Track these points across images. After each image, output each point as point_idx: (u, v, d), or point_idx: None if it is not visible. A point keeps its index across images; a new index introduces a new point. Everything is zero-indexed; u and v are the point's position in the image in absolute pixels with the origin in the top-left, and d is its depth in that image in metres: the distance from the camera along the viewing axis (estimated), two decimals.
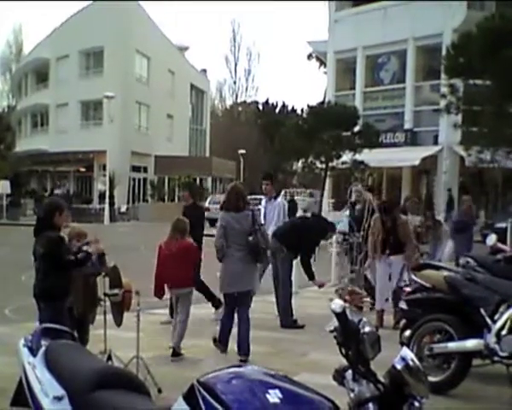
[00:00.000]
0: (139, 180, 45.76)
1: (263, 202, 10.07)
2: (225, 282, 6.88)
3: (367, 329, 2.40)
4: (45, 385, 2.74)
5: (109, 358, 5.51)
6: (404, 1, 30.27)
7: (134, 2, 43.96)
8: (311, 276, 8.91)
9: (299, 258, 9.02)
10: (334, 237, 11.79)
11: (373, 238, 8.91)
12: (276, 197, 9.65)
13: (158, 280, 6.69)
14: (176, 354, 6.65)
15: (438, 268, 6.40)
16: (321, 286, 8.92)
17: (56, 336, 3.22)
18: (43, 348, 2.96)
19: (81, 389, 2.53)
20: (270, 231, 8.68)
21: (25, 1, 79.12)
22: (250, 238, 6.78)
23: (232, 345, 6.85)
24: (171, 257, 6.55)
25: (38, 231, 5.24)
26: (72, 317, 5.24)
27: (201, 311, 9.78)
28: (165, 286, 6.75)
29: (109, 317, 5.74)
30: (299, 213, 26.78)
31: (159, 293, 6.79)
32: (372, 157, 27.47)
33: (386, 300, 8.64)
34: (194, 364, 6.38)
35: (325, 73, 40.00)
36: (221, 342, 6.91)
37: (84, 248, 5.36)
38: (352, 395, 2.34)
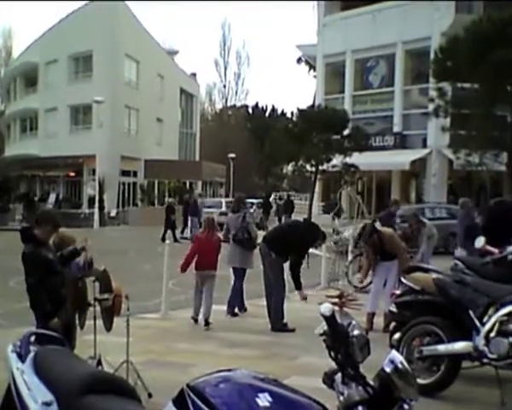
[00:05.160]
0: (129, 184, 45.60)
1: None
2: (228, 259, 9.83)
3: (356, 332, 2.40)
4: (34, 391, 2.73)
5: (99, 363, 5.48)
6: (394, 1, 30.38)
7: (123, 7, 43.87)
8: (298, 285, 8.85)
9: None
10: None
11: (367, 263, 9.05)
12: None
13: (187, 261, 8.98)
14: (207, 323, 8.68)
15: (427, 271, 6.43)
16: (304, 299, 8.79)
17: (46, 342, 3.20)
18: (31, 354, 2.94)
19: (70, 394, 2.51)
20: None
21: (16, 1, 78.54)
22: (233, 232, 9.76)
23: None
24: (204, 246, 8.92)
25: (24, 241, 5.21)
26: (60, 322, 5.19)
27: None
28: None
29: (99, 322, 5.72)
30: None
31: (185, 270, 9.02)
32: (362, 160, 27.58)
33: None
34: (184, 368, 6.37)
35: (315, 76, 40.10)
36: (233, 307, 9.64)
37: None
38: (341, 398, 2.34)
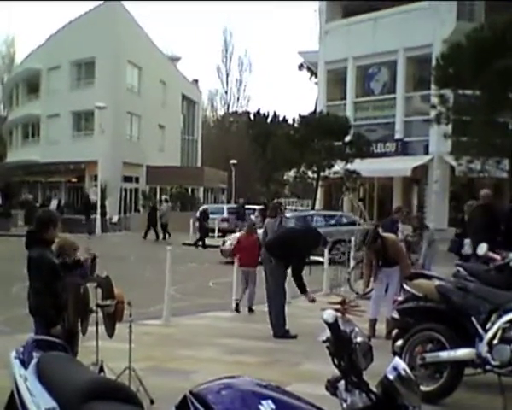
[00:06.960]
0: (131, 190, 45.66)
1: None
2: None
3: (359, 339, 2.40)
4: (37, 397, 2.72)
5: (101, 369, 5.47)
6: (396, 9, 30.40)
7: (125, 13, 44.02)
8: (302, 289, 8.73)
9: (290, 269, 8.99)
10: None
11: (367, 270, 9.01)
12: None
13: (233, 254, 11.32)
14: (251, 310, 10.35)
15: (429, 277, 6.42)
16: (312, 301, 8.59)
17: (48, 348, 3.20)
18: (34, 360, 2.93)
19: (73, 401, 2.51)
20: None
21: (22, 0, 78.78)
22: (271, 236, 10.31)
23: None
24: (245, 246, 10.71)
25: (29, 245, 5.19)
26: (62, 329, 5.19)
27: (195, 321, 9.79)
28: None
29: (101, 328, 5.72)
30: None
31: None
32: (363, 167, 27.57)
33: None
34: (187, 375, 6.36)
35: (316, 83, 40.19)
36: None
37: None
38: (344, 405, 2.34)
